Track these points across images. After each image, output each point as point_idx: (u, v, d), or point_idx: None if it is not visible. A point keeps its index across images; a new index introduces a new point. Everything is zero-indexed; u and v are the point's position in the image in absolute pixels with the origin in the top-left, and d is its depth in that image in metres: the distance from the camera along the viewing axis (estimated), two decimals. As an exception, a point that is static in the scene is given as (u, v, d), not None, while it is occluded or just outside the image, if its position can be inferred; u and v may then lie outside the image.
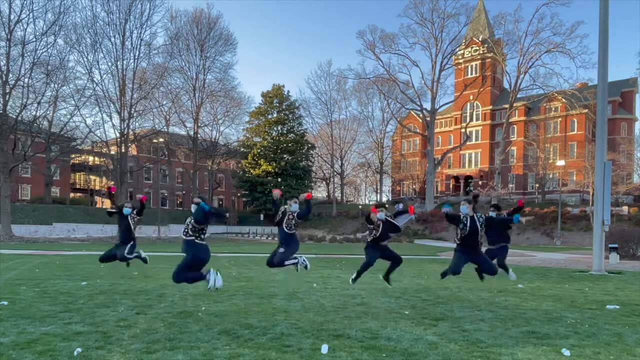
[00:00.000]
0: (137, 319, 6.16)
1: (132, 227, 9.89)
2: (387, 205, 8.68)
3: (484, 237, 7.54)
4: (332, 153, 71.67)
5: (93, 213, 50.03)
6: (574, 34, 52.35)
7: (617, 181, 49.18)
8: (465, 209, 7.18)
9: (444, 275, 8.03)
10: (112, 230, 44.92)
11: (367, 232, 8.36)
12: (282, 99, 63.17)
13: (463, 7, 57.81)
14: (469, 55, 66.34)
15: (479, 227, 7.03)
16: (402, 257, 8.72)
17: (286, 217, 8.00)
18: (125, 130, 42.63)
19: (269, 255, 8.64)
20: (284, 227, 8.03)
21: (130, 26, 41.69)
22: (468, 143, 64.93)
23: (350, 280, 8.67)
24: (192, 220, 6.37)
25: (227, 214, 6.51)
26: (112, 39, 41.31)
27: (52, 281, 10.19)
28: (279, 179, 60.01)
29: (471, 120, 65.12)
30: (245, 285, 10.09)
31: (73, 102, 41.20)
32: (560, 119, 60.16)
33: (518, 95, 58.84)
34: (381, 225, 8.19)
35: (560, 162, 46.94)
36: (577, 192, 55.17)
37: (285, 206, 8.05)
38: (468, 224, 7.12)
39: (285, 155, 61.68)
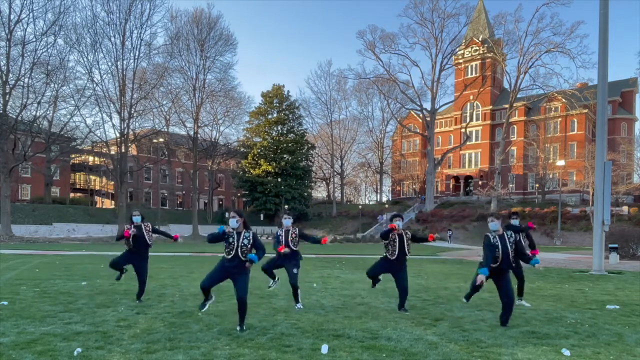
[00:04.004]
0: (137, 319, 6.17)
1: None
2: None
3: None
4: (332, 153, 71.64)
5: (93, 213, 50.02)
6: (574, 34, 52.34)
7: (617, 181, 49.13)
8: (495, 225, 5.95)
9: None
10: (112, 230, 44.88)
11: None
12: (282, 99, 63.13)
13: (463, 7, 57.75)
14: (469, 55, 66.27)
15: (509, 247, 5.85)
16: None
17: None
18: (125, 130, 42.52)
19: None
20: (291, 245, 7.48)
21: (130, 26, 41.57)
22: (468, 143, 64.89)
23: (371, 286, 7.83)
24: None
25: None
26: (112, 39, 41.18)
27: (52, 281, 10.19)
28: (279, 179, 59.97)
29: (471, 120, 65.07)
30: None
31: (73, 102, 41.13)
32: (560, 119, 60.10)
33: (518, 95, 58.76)
34: (397, 238, 6.82)
35: (560, 162, 46.92)
36: (577, 192, 55.12)
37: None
38: (500, 247, 5.84)
39: (285, 155, 61.65)
